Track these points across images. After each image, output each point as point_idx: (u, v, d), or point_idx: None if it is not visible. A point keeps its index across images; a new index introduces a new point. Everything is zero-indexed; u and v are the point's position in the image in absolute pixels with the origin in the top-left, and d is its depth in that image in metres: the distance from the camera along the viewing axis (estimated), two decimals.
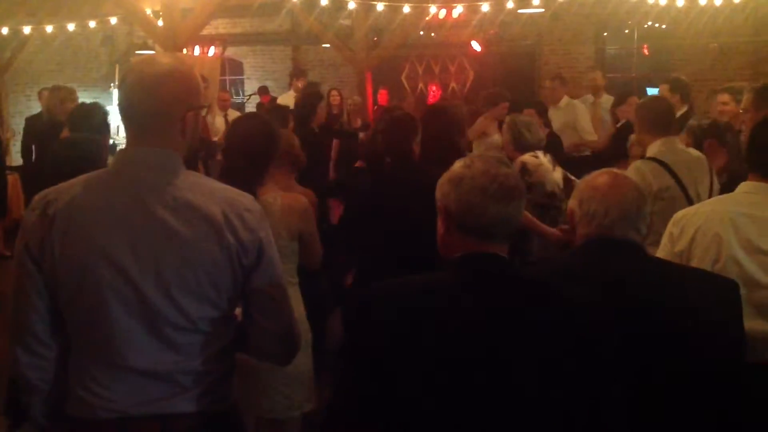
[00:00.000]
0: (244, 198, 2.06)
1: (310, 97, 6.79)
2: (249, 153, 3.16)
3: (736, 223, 2.66)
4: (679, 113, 5.94)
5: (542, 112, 6.81)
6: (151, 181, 1.96)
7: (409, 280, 1.91)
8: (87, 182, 2.02)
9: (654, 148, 4.00)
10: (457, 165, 1.93)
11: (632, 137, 5.38)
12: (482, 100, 7.01)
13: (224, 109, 10.33)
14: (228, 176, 2.93)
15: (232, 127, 3.53)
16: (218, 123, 9.75)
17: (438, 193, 1.94)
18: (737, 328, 2.25)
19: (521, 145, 4.90)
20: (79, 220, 1.93)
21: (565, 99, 8.31)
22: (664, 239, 2.81)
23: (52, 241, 1.93)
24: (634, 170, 3.83)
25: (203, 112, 2.13)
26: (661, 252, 2.76)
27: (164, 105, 1.98)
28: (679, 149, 4.06)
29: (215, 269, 1.96)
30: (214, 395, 2.04)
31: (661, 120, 4.09)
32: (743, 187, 2.80)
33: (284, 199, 3.23)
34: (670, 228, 2.81)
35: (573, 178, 4.90)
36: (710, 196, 3.92)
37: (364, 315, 1.90)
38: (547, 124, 6.87)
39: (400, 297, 1.87)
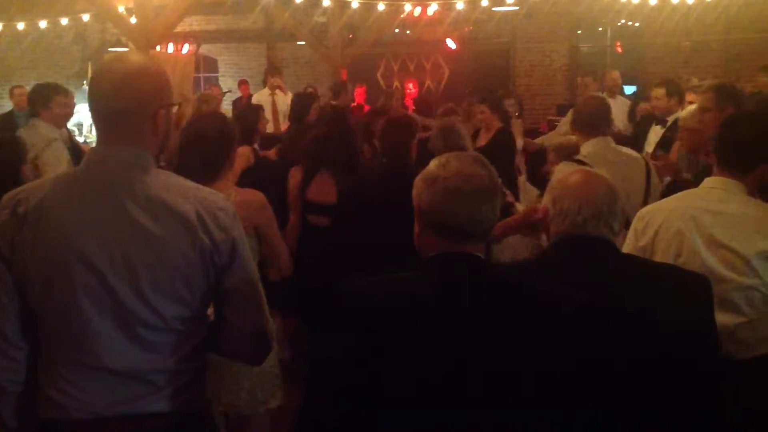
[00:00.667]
0: (216, 197, 2.05)
1: (304, 97, 7.17)
2: (202, 151, 3.17)
3: (699, 219, 2.70)
4: (674, 117, 5.97)
5: (495, 107, 6.78)
6: (124, 180, 1.95)
7: (382, 279, 1.90)
8: (58, 181, 2.00)
9: (586, 149, 3.92)
10: (433, 164, 1.92)
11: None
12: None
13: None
14: (180, 173, 2.95)
15: (188, 125, 3.53)
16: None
17: (413, 192, 1.93)
18: (710, 322, 2.27)
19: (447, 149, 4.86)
20: (51, 220, 1.91)
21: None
22: (630, 234, 2.85)
23: (23, 241, 1.91)
24: (557, 171, 3.69)
25: (174, 109, 2.12)
26: (626, 248, 2.79)
27: (135, 103, 1.96)
28: (612, 149, 3.98)
29: (189, 268, 1.95)
30: (188, 394, 2.03)
31: (593, 120, 4.01)
32: (708, 182, 2.84)
33: (239, 194, 3.22)
34: (635, 224, 2.85)
35: (507, 192, 4.77)
36: (647, 196, 3.93)
37: (334, 313, 1.89)
38: (503, 119, 6.80)
39: (371, 295, 1.86)
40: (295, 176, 4.64)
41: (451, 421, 1.74)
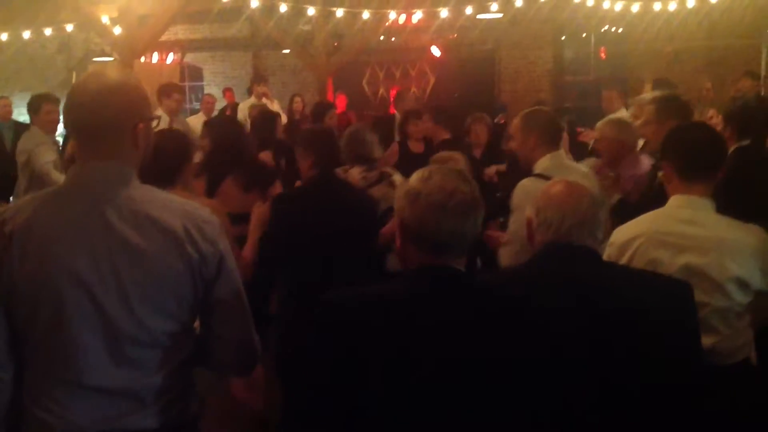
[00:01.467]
0: (201, 210, 2.06)
1: (321, 106, 7.68)
2: (158, 165, 3.21)
3: (671, 245, 2.67)
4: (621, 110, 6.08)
5: (440, 118, 6.74)
6: (108, 195, 1.95)
7: (363, 291, 1.92)
8: (43, 199, 2.00)
9: (542, 164, 3.70)
10: (415, 178, 1.93)
11: None
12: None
13: (209, 113, 10.19)
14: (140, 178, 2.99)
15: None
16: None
17: (396, 206, 1.94)
18: (694, 326, 2.29)
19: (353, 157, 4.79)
20: (39, 238, 1.91)
21: (624, 111, 7.47)
22: (607, 251, 2.79)
23: (10, 260, 1.91)
24: (521, 189, 3.59)
25: (154, 123, 2.13)
26: None
27: (113, 118, 1.96)
28: (566, 164, 3.81)
29: (177, 282, 1.96)
30: (176, 410, 2.03)
31: (548, 133, 3.80)
32: (674, 200, 2.79)
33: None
34: (608, 250, 2.79)
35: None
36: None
37: (316, 325, 1.89)
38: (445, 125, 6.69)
39: (352, 308, 1.87)
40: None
41: (432, 426, 1.77)
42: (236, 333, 2.10)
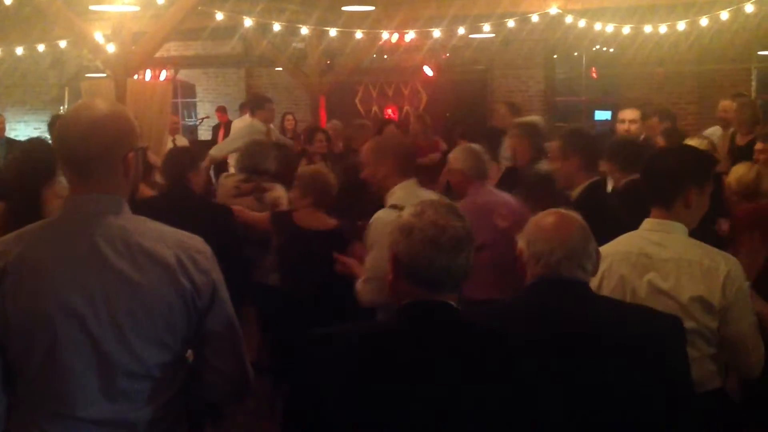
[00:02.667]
0: (194, 240, 2.07)
1: (310, 130, 7.83)
2: (21, 178, 3.24)
3: (639, 265, 2.71)
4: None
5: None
6: (101, 227, 1.95)
7: (354, 327, 1.93)
8: (36, 233, 2.00)
9: (395, 194, 3.63)
10: (407, 212, 1.94)
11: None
12: None
13: (173, 133, 10.17)
14: None
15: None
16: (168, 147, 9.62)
17: (388, 240, 1.95)
18: (683, 362, 2.30)
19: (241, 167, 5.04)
20: (33, 272, 1.91)
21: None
22: None
23: (3, 294, 1.90)
24: (377, 222, 3.54)
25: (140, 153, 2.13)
26: None
27: (105, 148, 1.97)
28: (418, 193, 3.64)
29: (171, 313, 1.96)
30: None
31: (404, 160, 3.72)
32: (646, 224, 2.83)
33: None
34: None
35: None
36: None
37: (306, 361, 1.90)
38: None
39: (342, 344, 1.88)
40: None
41: None
42: (229, 363, 2.10)
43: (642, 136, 6.80)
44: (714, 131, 7.68)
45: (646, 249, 2.74)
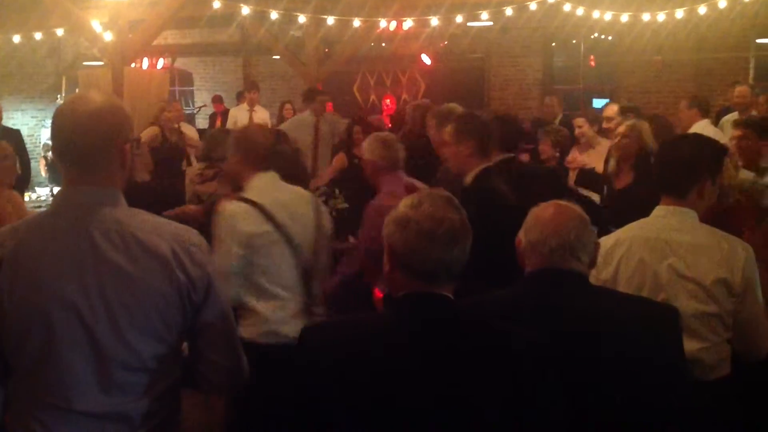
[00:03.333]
0: (190, 233, 2.07)
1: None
2: None
3: (657, 250, 2.74)
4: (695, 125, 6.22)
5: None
6: (96, 220, 1.95)
7: (351, 319, 1.94)
8: (32, 225, 2.01)
9: (253, 186, 3.53)
10: (404, 204, 1.93)
11: None
12: None
13: (178, 120, 10.19)
14: None
15: None
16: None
17: (384, 232, 1.95)
18: (679, 353, 2.31)
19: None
20: (29, 264, 1.92)
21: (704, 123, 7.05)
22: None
23: (0, 287, 1.91)
24: (221, 212, 3.43)
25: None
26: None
27: (104, 140, 1.98)
28: (279, 184, 3.61)
29: (166, 306, 1.97)
30: None
31: (258, 152, 3.61)
32: (657, 211, 2.86)
33: None
34: None
35: None
36: (318, 233, 3.66)
37: (301, 354, 1.91)
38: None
39: (339, 336, 1.89)
40: None
41: None
42: (224, 356, 2.12)
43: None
44: (731, 117, 7.63)
45: (664, 234, 2.77)
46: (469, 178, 3.80)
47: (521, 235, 2.35)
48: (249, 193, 3.50)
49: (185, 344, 2.12)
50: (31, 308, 1.90)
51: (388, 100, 14.87)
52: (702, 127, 6.65)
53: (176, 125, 9.52)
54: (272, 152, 3.72)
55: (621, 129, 5.04)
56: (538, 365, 1.88)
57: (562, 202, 2.35)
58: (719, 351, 2.73)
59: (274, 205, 3.47)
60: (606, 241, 2.85)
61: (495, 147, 4.04)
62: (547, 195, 2.50)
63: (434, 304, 1.89)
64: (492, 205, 3.51)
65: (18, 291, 1.91)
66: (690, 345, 2.59)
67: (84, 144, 1.96)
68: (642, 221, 2.89)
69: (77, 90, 10.24)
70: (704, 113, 7.11)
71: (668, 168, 2.88)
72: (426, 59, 14.16)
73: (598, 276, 2.80)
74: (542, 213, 2.33)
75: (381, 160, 4.25)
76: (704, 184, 2.80)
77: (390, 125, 10.34)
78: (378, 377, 1.81)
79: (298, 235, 3.51)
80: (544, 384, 1.87)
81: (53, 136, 2.01)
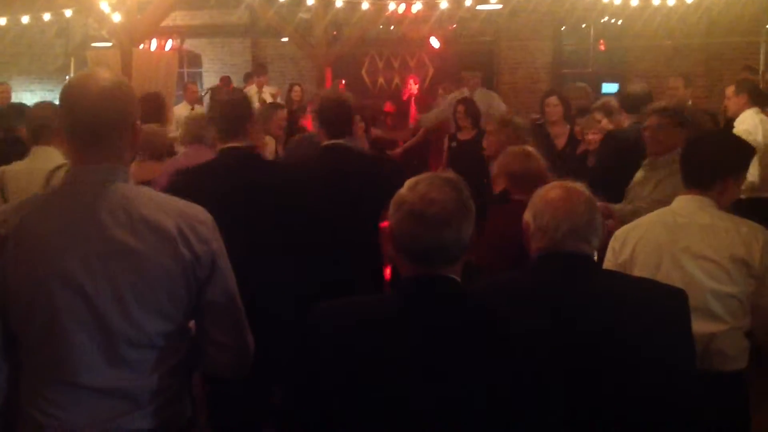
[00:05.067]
0: (195, 210, 2.08)
1: None
2: None
3: (675, 231, 2.80)
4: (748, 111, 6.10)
5: None
6: (103, 196, 1.96)
7: (356, 301, 1.93)
8: (38, 202, 2.02)
9: None
10: (406, 185, 1.90)
11: None
12: None
13: (193, 102, 10.36)
14: None
15: None
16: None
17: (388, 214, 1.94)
18: (687, 335, 2.31)
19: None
20: (33, 241, 1.92)
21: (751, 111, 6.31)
22: (608, 254, 2.93)
23: (4, 262, 1.92)
24: None
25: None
26: (606, 266, 2.86)
27: (118, 117, 1.99)
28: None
29: (171, 282, 1.97)
30: (171, 411, 2.05)
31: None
32: (680, 199, 2.94)
33: None
34: (612, 243, 2.94)
35: None
36: None
37: (310, 335, 1.91)
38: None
39: (343, 318, 1.88)
40: None
41: None
42: (229, 335, 2.12)
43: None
44: None
45: (681, 219, 2.84)
46: None
47: (528, 218, 2.34)
48: None
49: (192, 322, 2.13)
50: (34, 284, 1.91)
51: (412, 81, 14.66)
52: (749, 116, 6.15)
53: (191, 107, 9.62)
54: None
55: (491, 126, 4.76)
56: (534, 351, 1.86)
57: (569, 184, 2.34)
58: (736, 338, 2.74)
59: None
60: (625, 227, 2.94)
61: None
62: None
63: (436, 286, 1.86)
64: None
65: (22, 267, 1.91)
66: (706, 326, 2.61)
67: (97, 121, 1.96)
68: (665, 209, 2.97)
69: None
70: (755, 100, 6.26)
71: (691, 165, 2.95)
72: (435, 42, 14.08)
73: (617, 260, 2.84)
74: (550, 196, 2.30)
75: (185, 135, 4.45)
76: (726, 181, 2.88)
77: (414, 108, 10.35)
78: (375, 351, 1.80)
79: None
80: (542, 370, 1.85)
81: (63, 114, 2.01)
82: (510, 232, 2.68)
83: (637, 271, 2.76)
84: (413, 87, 14.51)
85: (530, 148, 3.90)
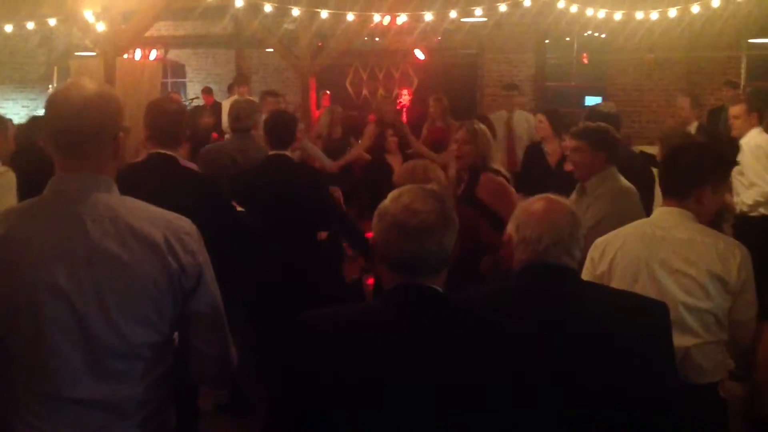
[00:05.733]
0: (182, 221, 2.08)
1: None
2: None
3: (653, 245, 2.80)
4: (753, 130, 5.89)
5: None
6: (89, 207, 1.95)
7: (342, 310, 1.93)
8: (23, 210, 2.01)
9: None
10: (389, 197, 1.92)
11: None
12: None
13: None
14: None
15: None
16: None
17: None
18: (668, 348, 2.33)
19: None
20: (19, 251, 1.91)
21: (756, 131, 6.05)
22: (587, 263, 2.93)
23: None
24: None
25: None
26: (585, 276, 2.87)
27: (99, 128, 1.98)
28: None
29: (158, 293, 1.97)
30: (156, 422, 2.04)
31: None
32: (658, 212, 2.95)
33: None
34: (591, 253, 2.94)
35: None
36: None
37: (296, 342, 1.90)
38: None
39: (328, 327, 1.88)
40: None
41: None
42: (213, 346, 2.12)
43: None
44: None
45: (660, 231, 2.83)
46: None
47: (511, 230, 2.34)
48: None
49: (176, 334, 2.12)
50: (20, 294, 1.89)
51: (405, 92, 14.65)
52: (754, 135, 5.93)
53: None
54: None
55: (460, 135, 4.60)
56: (523, 354, 1.87)
57: (552, 196, 2.35)
58: (713, 352, 2.75)
59: None
60: (604, 237, 2.93)
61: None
62: None
63: (419, 296, 1.87)
64: None
65: (7, 277, 1.90)
66: (682, 340, 2.62)
67: (79, 131, 1.96)
68: (644, 220, 2.98)
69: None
70: (761, 118, 6.00)
71: (671, 171, 2.96)
72: (419, 54, 14.15)
73: (595, 271, 2.85)
74: (533, 208, 2.31)
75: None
76: (703, 191, 2.86)
77: (407, 121, 10.35)
78: (362, 366, 1.80)
79: None
80: (530, 374, 1.86)
81: (47, 123, 2.00)
82: None
83: (615, 283, 2.77)
84: (405, 98, 14.55)
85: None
